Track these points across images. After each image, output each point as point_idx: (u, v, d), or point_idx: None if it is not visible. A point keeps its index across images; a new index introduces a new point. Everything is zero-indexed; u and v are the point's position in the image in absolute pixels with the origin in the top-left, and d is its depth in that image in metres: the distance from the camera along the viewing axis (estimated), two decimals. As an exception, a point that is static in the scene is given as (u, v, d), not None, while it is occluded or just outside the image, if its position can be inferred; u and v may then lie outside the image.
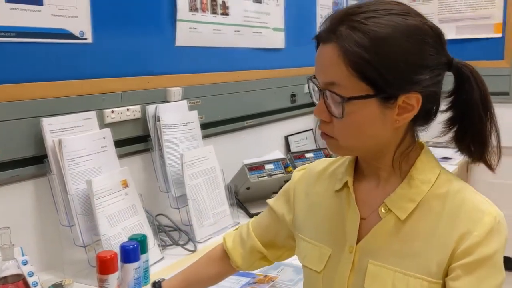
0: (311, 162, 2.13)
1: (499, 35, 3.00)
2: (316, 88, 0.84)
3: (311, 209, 0.99)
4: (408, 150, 0.86)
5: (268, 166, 1.89)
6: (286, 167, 1.93)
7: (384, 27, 0.76)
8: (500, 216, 0.80)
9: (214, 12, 1.93)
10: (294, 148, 2.48)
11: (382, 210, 0.86)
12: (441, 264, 0.79)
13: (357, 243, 0.87)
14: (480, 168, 0.86)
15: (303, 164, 2.04)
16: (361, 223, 0.88)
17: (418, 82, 0.78)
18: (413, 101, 0.80)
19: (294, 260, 1.05)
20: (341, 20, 0.79)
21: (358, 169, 0.93)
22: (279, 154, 2.35)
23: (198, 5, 1.85)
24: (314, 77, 0.84)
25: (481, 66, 3.04)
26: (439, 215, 0.82)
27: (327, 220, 0.94)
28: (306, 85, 0.89)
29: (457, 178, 0.87)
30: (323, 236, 0.94)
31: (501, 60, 3.01)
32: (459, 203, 0.82)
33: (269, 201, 1.09)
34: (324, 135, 0.85)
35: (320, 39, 0.82)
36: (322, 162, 1.04)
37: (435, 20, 3.06)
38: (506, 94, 3.02)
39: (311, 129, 2.68)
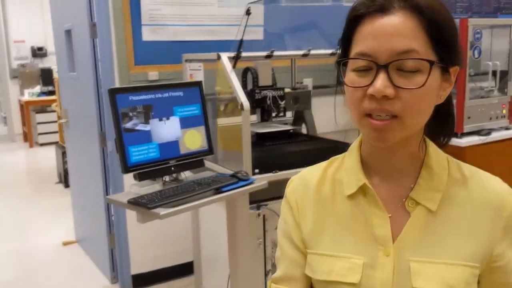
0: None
1: None
2: (371, 65, 0.77)
3: (320, 220, 0.91)
4: (423, 137, 0.87)
5: None
6: None
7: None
8: None
9: None
10: None
11: (410, 205, 0.84)
12: (479, 249, 0.82)
13: None
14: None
15: None
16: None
17: (461, 53, 0.82)
18: (453, 75, 0.83)
19: None
20: None
21: (364, 169, 0.89)
22: None
23: None
24: (363, 55, 0.78)
25: None
26: (465, 202, 0.84)
27: (347, 228, 0.88)
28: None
29: (461, 162, 0.89)
30: (346, 246, 0.87)
31: None
32: (480, 188, 0.85)
33: (282, 244, 0.95)
34: (382, 122, 0.77)
35: (383, 10, 0.77)
36: (314, 170, 0.96)
37: None
38: None
39: None
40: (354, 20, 0.80)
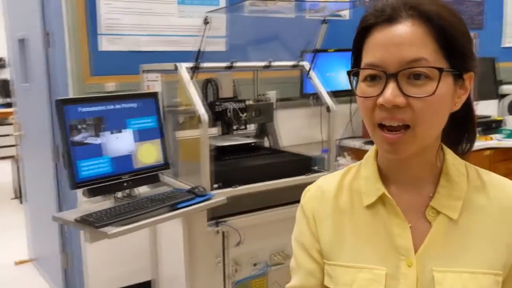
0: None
1: None
2: (381, 75, 0.77)
3: (339, 231, 0.90)
4: (440, 145, 0.86)
5: None
6: None
7: (447, 5, 0.79)
8: None
9: None
10: None
11: (430, 214, 0.84)
12: (502, 256, 0.81)
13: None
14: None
15: None
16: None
17: (475, 59, 0.81)
18: (468, 81, 0.82)
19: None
20: (414, 0, 0.78)
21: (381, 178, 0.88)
22: None
23: None
24: (372, 66, 0.78)
25: None
26: (486, 208, 0.83)
27: (367, 238, 0.87)
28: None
29: (479, 168, 0.88)
30: (367, 256, 0.86)
31: None
32: (500, 194, 0.84)
33: (298, 254, 0.94)
34: (394, 135, 0.77)
35: (392, 20, 0.77)
36: (330, 179, 0.95)
37: None
38: None
39: None
40: (364, 31, 0.81)
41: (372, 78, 0.79)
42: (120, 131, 1.89)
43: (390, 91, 0.75)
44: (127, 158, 1.90)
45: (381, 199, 0.87)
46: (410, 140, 0.78)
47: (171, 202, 1.82)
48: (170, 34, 2.85)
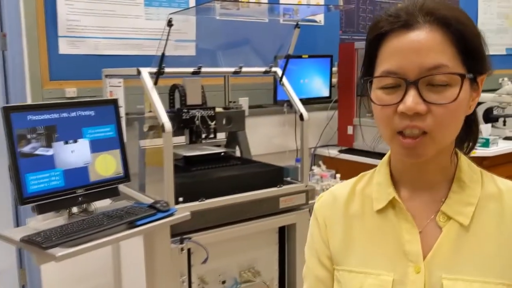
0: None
1: None
2: (400, 83, 0.76)
3: (349, 236, 0.90)
4: (454, 150, 0.85)
5: None
6: None
7: (461, 9, 0.79)
8: None
9: None
10: None
11: (441, 219, 0.82)
12: None
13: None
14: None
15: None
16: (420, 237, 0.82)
17: (488, 61, 0.80)
18: (480, 83, 0.81)
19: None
20: (430, 5, 0.77)
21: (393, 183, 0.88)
22: None
23: None
24: (390, 73, 0.77)
25: None
26: (500, 217, 0.81)
27: (376, 244, 0.86)
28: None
29: (494, 175, 0.87)
30: (375, 262, 0.85)
31: None
32: None
33: (309, 261, 0.95)
34: (413, 139, 0.76)
35: (408, 25, 0.76)
36: (343, 186, 0.96)
37: None
38: None
39: None
40: (378, 38, 0.79)
41: (390, 86, 0.78)
42: (75, 141, 1.74)
43: (412, 99, 0.75)
44: (82, 171, 1.75)
45: (392, 204, 0.86)
46: (429, 144, 0.77)
47: (130, 219, 1.68)
48: (136, 37, 2.70)
